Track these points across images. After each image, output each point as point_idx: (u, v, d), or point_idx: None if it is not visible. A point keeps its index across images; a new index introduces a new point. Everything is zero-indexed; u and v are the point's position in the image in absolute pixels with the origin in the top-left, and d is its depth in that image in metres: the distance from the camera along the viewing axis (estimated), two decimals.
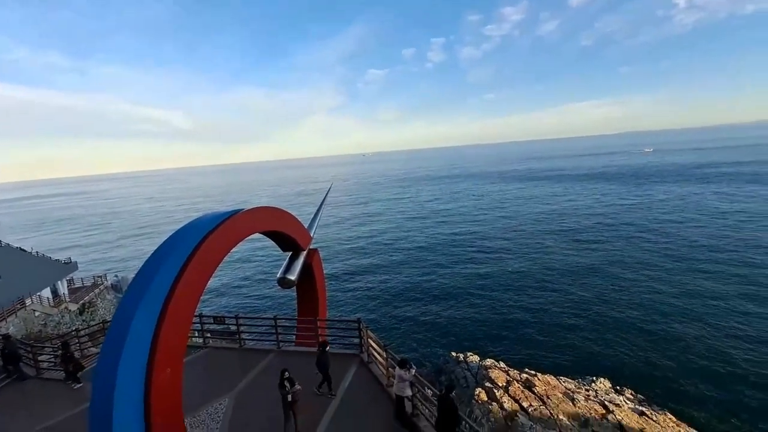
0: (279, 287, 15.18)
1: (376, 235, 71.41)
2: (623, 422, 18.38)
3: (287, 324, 16.66)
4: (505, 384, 20.81)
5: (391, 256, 56.64)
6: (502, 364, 23.21)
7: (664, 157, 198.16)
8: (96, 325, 21.51)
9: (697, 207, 73.82)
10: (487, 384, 20.67)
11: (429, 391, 10.48)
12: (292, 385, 10.36)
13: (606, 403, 20.07)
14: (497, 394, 19.72)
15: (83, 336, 17.97)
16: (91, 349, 17.73)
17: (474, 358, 23.62)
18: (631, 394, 22.11)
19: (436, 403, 9.11)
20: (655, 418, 19.07)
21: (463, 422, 8.93)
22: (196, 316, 15.04)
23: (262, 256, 61.56)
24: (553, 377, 22.09)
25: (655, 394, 22.67)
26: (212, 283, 48.76)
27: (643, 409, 20.20)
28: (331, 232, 74.99)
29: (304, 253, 15.87)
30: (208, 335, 16.64)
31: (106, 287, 45.99)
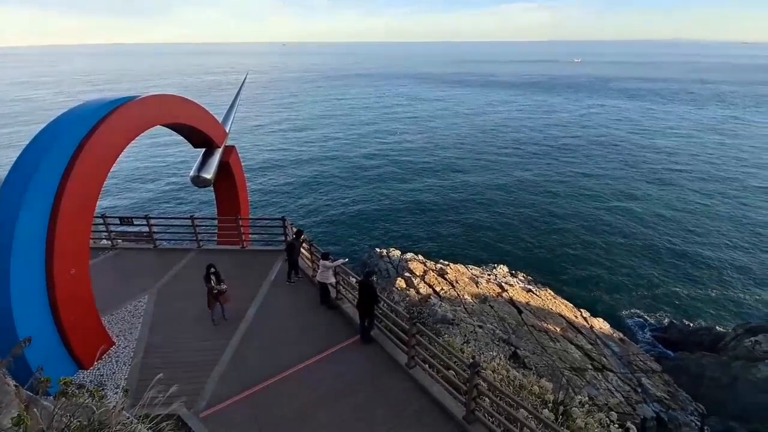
0: (194, 186, 14.42)
1: (297, 133, 68.49)
2: (514, 298, 22.60)
3: (207, 224, 16.31)
4: (422, 273, 23.66)
5: (314, 156, 55.62)
6: (420, 257, 26.03)
7: (593, 69, 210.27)
8: None
9: (610, 119, 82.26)
10: (407, 274, 23.32)
11: (352, 279, 11.62)
12: (219, 279, 10.69)
13: (502, 284, 24.21)
14: (415, 281, 22.51)
15: None
16: None
17: (396, 253, 26.05)
18: (523, 276, 26.80)
19: (357, 287, 10.23)
20: (537, 294, 23.72)
21: (382, 302, 10.26)
22: (99, 216, 13.96)
23: (172, 152, 56.06)
24: (462, 266, 25.58)
25: (540, 275, 27.78)
26: (116, 181, 44.14)
27: (530, 287, 24.85)
28: (248, 130, 69.91)
29: (220, 150, 14.90)
30: (115, 236, 15.70)
31: None
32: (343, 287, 11.62)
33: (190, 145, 14.91)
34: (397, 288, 21.58)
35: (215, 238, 15.99)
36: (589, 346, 19.19)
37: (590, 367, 17.74)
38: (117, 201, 40.09)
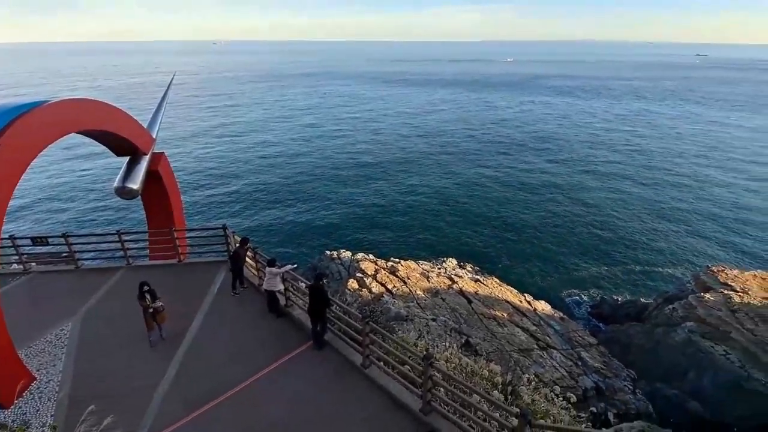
0: (119, 199, 13.30)
1: (235, 138, 65.65)
2: (464, 289, 23.54)
3: (137, 239, 15.11)
4: (374, 272, 23.82)
5: (255, 162, 53.76)
6: (371, 256, 26.20)
7: (523, 67, 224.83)
8: None
9: (541, 114, 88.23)
10: (359, 274, 23.34)
11: (302, 284, 11.42)
12: (154, 297, 9.99)
13: (452, 276, 25.10)
14: (367, 281, 22.59)
15: None
16: None
17: (346, 254, 25.97)
18: (470, 267, 28.01)
19: (308, 292, 10.08)
20: (485, 282, 24.92)
21: (334, 305, 10.20)
22: (6, 238, 12.43)
23: (91, 163, 51.07)
24: (413, 262, 26.14)
25: (486, 265, 29.28)
26: (26, 201, 39.30)
27: (478, 277, 26.05)
28: (180, 136, 65.72)
29: (147, 157, 13.87)
30: (28, 260, 14.04)
31: None
32: (293, 293, 11.38)
33: (113, 155, 13.74)
34: (349, 289, 21.53)
35: (147, 254, 14.86)
36: (534, 328, 20.53)
37: (536, 347, 19.00)
38: (29, 224, 35.74)
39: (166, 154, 15.22)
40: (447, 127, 75.00)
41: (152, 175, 14.30)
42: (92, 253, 15.37)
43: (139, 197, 13.92)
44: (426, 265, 26.29)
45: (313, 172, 49.47)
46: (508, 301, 22.99)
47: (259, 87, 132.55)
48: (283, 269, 10.91)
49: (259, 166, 51.86)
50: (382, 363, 9.02)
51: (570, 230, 35.74)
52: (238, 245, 12.35)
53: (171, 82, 18.44)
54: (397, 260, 25.68)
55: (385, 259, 25.92)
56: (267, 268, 11.02)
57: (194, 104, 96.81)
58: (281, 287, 11.14)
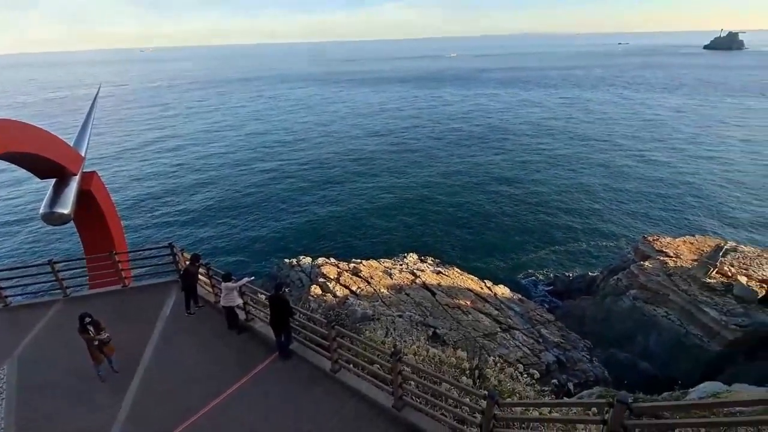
0: (47, 225, 12.21)
1: (175, 152, 62.23)
2: (426, 282, 24.03)
3: (73, 267, 13.94)
4: (336, 276, 23.67)
5: (199, 173, 51.45)
6: (333, 260, 26.00)
7: (467, 62, 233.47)
8: None
9: (487, 105, 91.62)
10: (321, 279, 23.09)
11: (261, 296, 11.12)
12: (98, 328, 9.29)
13: (414, 271, 25.52)
14: (330, 285, 22.41)
15: None
16: None
17: (306, 260, 25.58)
18: (431, 260, 28.61)
19: (268, 303, 9.83)
20: (447, 274, 25.59)
21: (297, 314, 10.04)
22: None
23: (10, 189, 46.25)
24: (375, 261, 26.27)
25: (446, 256, 30.14)
26: None
27: (440, 269, 26.68)
28: (114, 152, 61.29)
29: (76, 178, 12.84)
30: None
31: None
32: (253, 306, 11.05)
33: (36, 178, 12.58)
34: (313, 296, 21.25)
35: (87, 282, 13.76)
36: (496, 312, 21.42)
37: (499, 330, 19.84)
38: None
39: (98, 173, 14.16)
40: (397, 125, 75.96)
41: (85, 197, 13.27)
42: (22, 288, 13.97)
43: (72, 222, 12.86)
44: (388, 263, 26.51)
45: (263, 181, 48.15)
46: (470, 289, 23.79)
47: (198, 95, 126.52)
48: (239, 283, 10.57)
49: (205, 179, 49.62)
50: (351, 366, 9.03)
51: (520, 216, 37.65)
52: (188, 263, 11.77)
53: (97, 94, 17.16)
54: (359, 261, 25.69)
55: (346, 261, 25.83)
56: (222, 283, 10.63)
57: (126, 117, 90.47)
58: (240, 301, 10.78)
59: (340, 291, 21.89)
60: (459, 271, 26.30)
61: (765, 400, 5.09)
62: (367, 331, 12.47)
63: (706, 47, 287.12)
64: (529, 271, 29.67)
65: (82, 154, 13.55)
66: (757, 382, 15.12)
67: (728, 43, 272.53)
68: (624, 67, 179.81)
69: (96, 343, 9.19)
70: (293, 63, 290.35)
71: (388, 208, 39.58)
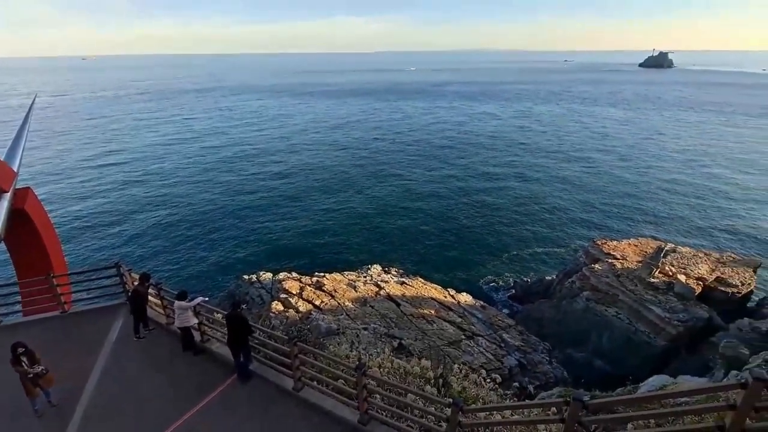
0: None
1: (122, 165, 58.85)
2: (391, 293, 24.07)
3: (3, 293, 12.70)
4: (299, 291, 23.15)
5: (147, 188, 48.93)
6: (295, 274, 25.44)
7: (427, 76, 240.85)
8: None
9: (446, 118, 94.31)
10: (283, 295, 22.48)
11: (218, 314, 10.67)
12: (33, 358, 8.52)
13: (379, 282, 25.51)
14: (293, 301, 21.86)
15: None
16: None
17: (267, 275, 24.86)
18: (395, 271, 28.75)
19: (225, 322, 9.45)
20: (411, 284, 25.79)
21: (256, 331, 9.71)
22: None
23: None
24: (339, 274, 25.99)
25: (410, 266, 30.42)
26: None
27: (404, 279, 26.85)
28: (52, 167, 56.96)
29: (8, 195, 11.82)
30: None
31: None
32: (209, 326, 10.58)
33: None
34: (274, 312, 20.63)
35: (20, 308, 12.57)
36: (460, 320, 21.81)
37: (463, 337, 20.19)
38: None
39: (33, 189, 13.11)
40: (358, 138, 76.41)
41: (18, 215, 12.21)
42: None
43: (2, 242, 11.78)
44: (352, 275, 26.33)
45: (218, 196, 46.48)
46: (434, 299, 24.08)
47: (146, 107, 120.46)
48: (194, 302, 10.10)
49: (155, 194, 47.19)
50: (315, 382, 8.84)
51: (480, 226, 38.92)
52: (137, 283, 11.10)
53: (32, 105, 15.94)
54: (322, 274, 25.33)
55: (309, 275, 25.38)
56: (176, 302, 10.12)
57: (67, 130, 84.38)
58: (194, 321, 10.29)
59: (303, 306, 21.42)
60: (423, 280, 26.60)
61: (705, 389, 5.54)
62: (331, 346, 12.27)
63: (641, 65, 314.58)
64: (490, 277, 30.60)
65: (15, 169, 12.51)
66: (699, 373, 16.36)
67: (660, 61, 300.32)
68: (571, 83, 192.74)
69: (30, 375, 8.40)
70: (252, 74, 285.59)
71: (351, 221, 39.52)
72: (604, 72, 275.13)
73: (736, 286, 23.36)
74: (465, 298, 24.94)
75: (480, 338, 20.49)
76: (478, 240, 35.95)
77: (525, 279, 29.93)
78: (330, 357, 8.78)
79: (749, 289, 23.96)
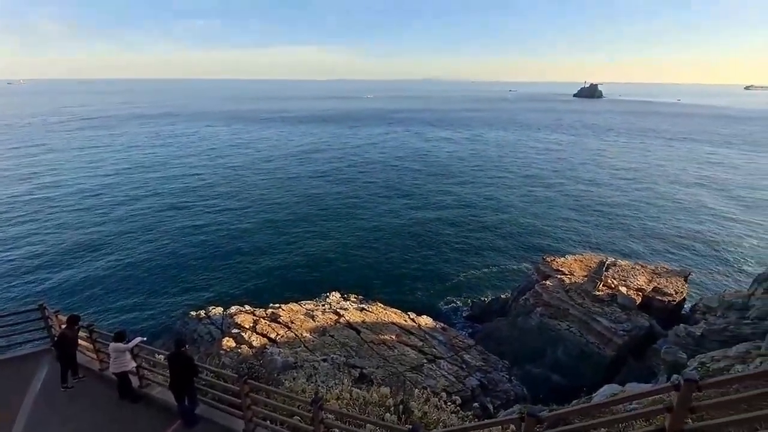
0: None
1: (52, 197, 54.06)
2: (350, 320, 23.59)
3: None
4: (252, 324, 22.03)
5: (77, 220, 45.19)
6: (248, 307, 24.27)
7: (383, 103, 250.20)
8: None
9: (398, 144, 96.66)
10: (234, 330, 21.28)
11: (160, 356, 9.89)
12: None
13: (338, 310, 24.94)
14: (246, 336, 20.73)
15: None
16: None
17: (217, 310, 23.48)
18: (355, 297, 28.32)
19: (167, 364, 8.75)
20: (370, 310, 25.46)
21: (203, 371, 9.07)
22: None
23: None
24: (295, 304, 25.14)
25: (369, 292, 30.08)
26: None
27: (363, 305, 26.47)
28: None
29: None
30: None
31: None
32: (148, 370, 9.74)
33: None
34: (225, 349, 19.44)
35: None
36: (421, 343, 21.73)
37: (425, 361, 20.08)
38: None
39: None
40: (316, 164, 76.20)
41: None
42: None
43: None
44: (309, 305, 25.58)
45: (160, 228, 43.65)
46: (394, 323, 23.89)
47: (81, 135, 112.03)
48: (131, 343, 9.29)
49: (86, 227, 43.59)
50: (268, 422, 8.32)
51: (437, 248, 39.75)
52: (64, 326, 10.05)
53: None
54: (278, 306, 24.38)
55: (263, 308, 24.33)
56: (111, 344, 9.26)
57: None
58: (132, 365, 9.44)
59: (257, 341, 20.39)
60: (383, 306, 26.37)
61: (645, 394, 5.86)
62: (287, 381, 11.69)
63: (575, 95, 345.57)
64: (449, 298, 31.01)
65: None
66: (645, 379, 17.33)
67: (591, 92, 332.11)
68: (516, 110, 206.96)
69: None
70: (195, 100, 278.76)
71: (305, 247, 38.77)
72: (545, 101, 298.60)
73: (671, 294, 25.36)
74: (425, 320, 24.96)
75: (441, 361, 20.47)
76: (436, 263, 36.53)
77: (482, 298, 30.62)
78: (284, 393, 8.35)
79: (682, 297, 26.10)
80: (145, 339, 9.93)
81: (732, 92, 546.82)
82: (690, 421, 4.94)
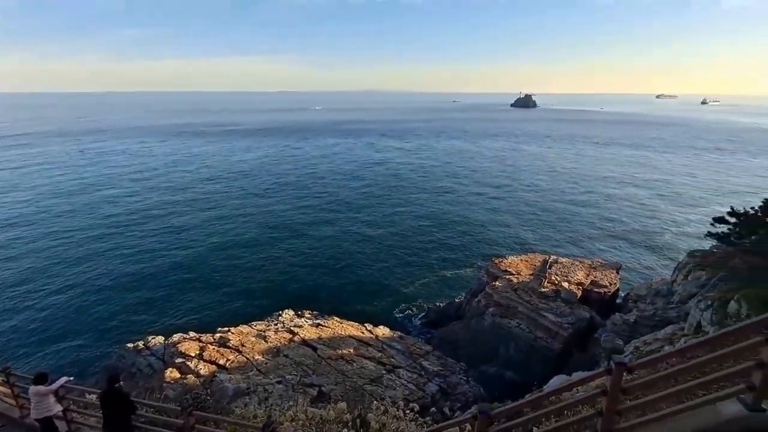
0: None
1: None
2: (306, 337, 22.96)
3: None
4: (198, 352, 20.73)
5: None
6: (192, 333, 22.85)
7: (331, 115, 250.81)
8: None
9: (347, 156, 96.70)
10: (179, 360, 19.90)
11: (91, 395, 9.01)
12: None
13: (292, 328, 24.19)
14: (191, 365, 19.45)
15: None
16: None
17: (157, 340, 21.83)
18: (309, 313, 27.64)
19: (100, 403, 7.98)
20: (326, 325, 24.97)
21: (142, 408, 8.38)
22: None
23: None
24: (245, 325, 24.03)
25: (324, 306, 29.56)
26: None
27: (319, 321, 25.90)
28: None
29: None
30: None
31: None
32: (78, 412, 8.81)
33: None
34: (169, 381, 18.13)
35: None
36: (379, 354, 21.64)
37: (384, 372, 20.00)
38: None
39: None
40: (264, 178, 74.08)
41: None
42: None
43: None
44: (261, 325, 24.58)
45: (88, 253, 40.00)
46: (352, 336, 23.60)
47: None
48: (55, 385, 8.36)
49: (8, 257, 39.07)
50: None
51: (388, 256, 40.07)
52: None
53: None
54: (226, 329, 23.19)
55: (210, 333, 23.01)
56: (32, 388, 8.26)
57: None
58: (58, 408, 8.48)
59: (204, 368, 19.23)
60: (339, 319, 25.99)
61: (583, 380, 6.24)
62: (237, 409, 11.10)
63: (512, 105, 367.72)
64: (404, 305, 31.25)
65: None
66: (589, 368, 18.49)
67: (526, 102, 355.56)
68: (460, 120, 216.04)
69: None
70: (124, 113, 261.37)
71: (250, 265, 37.38)
72: (486, 111, 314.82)
73: (606, 286, 27.47)
74: (382, 331, 24.92)
75: (401, 370, 20.50)
76: (390, 273, 36.72)
77: (437, 304, 31.19)
78: (234, 421, 7.91)
79: (616, 288, 28.37)
80: (72, 379, 8.98)
81: (646, 100, 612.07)
82: (628, 401, 5.34)
